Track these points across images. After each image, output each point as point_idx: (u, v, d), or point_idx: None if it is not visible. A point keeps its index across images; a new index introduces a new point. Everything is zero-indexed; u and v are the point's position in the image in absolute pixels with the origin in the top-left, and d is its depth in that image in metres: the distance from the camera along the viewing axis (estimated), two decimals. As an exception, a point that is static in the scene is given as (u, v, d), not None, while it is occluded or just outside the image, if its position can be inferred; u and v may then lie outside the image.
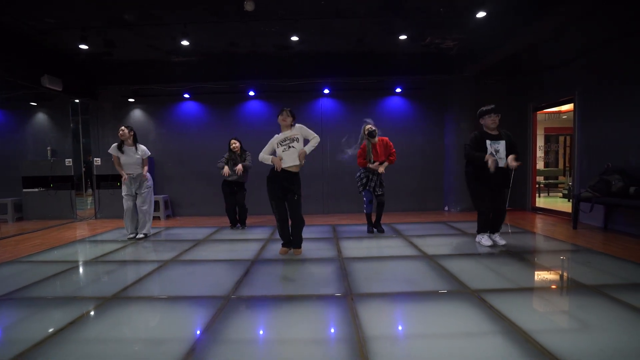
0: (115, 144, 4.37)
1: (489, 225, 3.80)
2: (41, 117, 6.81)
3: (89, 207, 7.15)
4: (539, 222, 5.27)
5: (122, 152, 4.36)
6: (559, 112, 8.89)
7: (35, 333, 1.98)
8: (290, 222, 3.52)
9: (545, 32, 4.72)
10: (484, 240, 3.75)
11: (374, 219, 4.67)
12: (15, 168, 6.48)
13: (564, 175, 10.09)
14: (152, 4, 4.21)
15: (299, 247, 3.55)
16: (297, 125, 3.47)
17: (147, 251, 3.90)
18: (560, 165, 10.79)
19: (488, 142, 3.57)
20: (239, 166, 4.84)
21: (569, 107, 7.54)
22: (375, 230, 4.61)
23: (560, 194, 9.48)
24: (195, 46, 5.64)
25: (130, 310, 2.31)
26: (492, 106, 3.61)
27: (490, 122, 3.58)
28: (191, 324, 2.08)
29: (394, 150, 4.48)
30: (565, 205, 7.03)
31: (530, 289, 2.52)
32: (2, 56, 4.96)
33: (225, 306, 2.29)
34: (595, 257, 3.28)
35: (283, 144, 3.41)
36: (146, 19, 4.56)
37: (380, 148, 4.38)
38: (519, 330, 1.86)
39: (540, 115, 7.33)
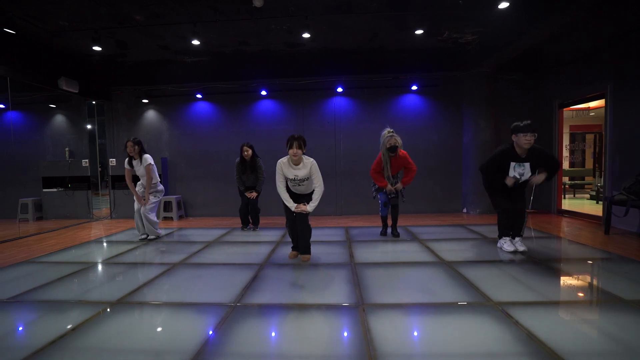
0: (127, 159, 4.36)
1: (509, 228, 3.56)
2: (59, 119, 6.95)
3: (103, 207, 7.26)
4: (566, 226, 4.94)
5: (131, 166, 4.36)
6: (587, 109, 8.40)
7: (36, 339, 1.93)
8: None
9: (573, 20, 4.39)
10: (506, 245, 3.52)
11: (390, 222, 4.48)
12: (35, 169, 6.65)
13: (592, 176, 9.55)
14: (160, 3, 4.17)
15: (307, 253, 3.40)
16: (309, 161, 3.27)
17: (157, 253, 3.86)
18: (587, 165, 10.23)
19: (512, 164, 3.33)
20: (254, 194, 4.93)
21: (597, 103, 7.11)
22: (388, 232, 4.44)
23: (588, 196, 8.98)
24: (206, 45, 5.60)
25: (133, 316, 2.23)
26: (529, 122, 3.21)
27: (524, 142, 3.20)
28: (194, 333, 1.98)
29: (412, 167, 4.13)
30: (593, 208, 6.61)
31: (562, 303, 2.29)
32: (20, 60, 5.06)
33: (230, 314, 2.19)
34: (634, 266, 3.00)
35: (293, 182, 3.32)
36: (155, 18, 4.53)
37: (396, 162, 4.08)
38: (551, 353, 1.67)
39: (566, 112, 6.93)
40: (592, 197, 8.34)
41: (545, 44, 5.56)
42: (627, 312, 2.11)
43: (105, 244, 4.42)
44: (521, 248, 3.46)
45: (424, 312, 2.20)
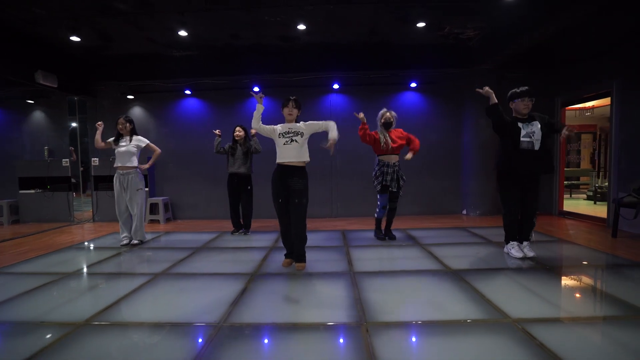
0: (113, 138, 4.11)
1: (515, 231, 3.34)
2: (38, 116, 6.55)
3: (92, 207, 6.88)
4: (571, 229, 4.76)
5: (117, 144, 4.07)
6: (588, 108, 8.28)
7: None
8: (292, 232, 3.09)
9: (580, 18, 4.19)
10: (514, 251, 3.29)
11: (383, 225, 4.25)
12: (11, 168, 6.24)
13: (590, 176, 9.47)
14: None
15: (302, 261, 3.10)
16: (301, 122, 3.10)
17: (138, 262, 3.55)
18: (583, 165, 10.15)
19: (520, 124, 3.16)
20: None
21: (596, 102, 6.97)
22: (386, 237, 4.19)
23: (585, 196, 8.88)
24: (195, 38, 5.29)
25: (101, 341, 1.93)
26: (526, 88, 3.15)
27: (522, 106, 3.15)
28: (171, 362, 1.69)
29: (415, 138, 4.06)
30: (591, 209, 6.48)
31: (587, 320, 2.06)
32: (-9, 50, 4.68)
33: (215, 337, 1.91)
34: (652, 275, 2.80)
35: (286, 135, 2.99)
36: (140, 6, 4.21)
37: (395, 134, 3.99)
38: (590, 387, 1.43)
39: (567, 111, 6.76)
40: (589, 198, 8.24)
41: (551, 41, 5.37)
42: (662, 331, 1.89)
43: (83, 251, 4.09)
44: (530, 254, 3.25)
45: (434, 331, 1.95)
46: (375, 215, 4.15)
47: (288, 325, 2.05)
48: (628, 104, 4.52)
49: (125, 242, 4.15)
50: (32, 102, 6.49)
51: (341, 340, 1.89)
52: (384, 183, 3.88)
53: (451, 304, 2.31)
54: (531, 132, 3.13)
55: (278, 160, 3.03)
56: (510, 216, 3.31)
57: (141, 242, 4.24)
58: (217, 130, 4.64)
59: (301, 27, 4.71)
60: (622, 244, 3.81)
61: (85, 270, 3.28)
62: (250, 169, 4.63)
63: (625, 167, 4.58)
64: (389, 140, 3.89)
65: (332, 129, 2.97)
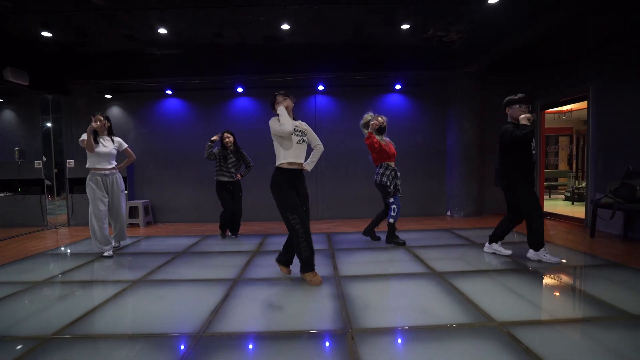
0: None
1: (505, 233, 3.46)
2: (8, 115, 6.22)
3: (51, 213, 6.58)
4: (551, 229, 4.86)
5: (96, 142, 3.69)
6: (567, 111, 8.54)
7: None
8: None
9: (560, 23, 4.29)
10: (549, 255, 3.20)
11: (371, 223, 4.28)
12: (-21, 170, 5.90)
13: (566, 177, 9.77)
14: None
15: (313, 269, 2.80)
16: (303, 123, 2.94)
17: (115, 268, 3.38)
18: (561, 167, 10.47)
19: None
20: (238, 176, 4.51)
21: (573, 106, 7.20)
22: (367, 236, 4.27)
23: (563, 197, 9.14)
24: (177, 37, 5.13)
25: (72, 356, 1.81)
26: (521, 95, 3.15)
27: (519, 113, 3.11)
28: (145, 378, 1.59)
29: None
30: (569, 209, 6.67)
31: (570, 322, 2.07)
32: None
33: (194, 347, 1.81)
34: (629, 274, 2.86)
35: (297, 133, 2.73)
36: (115, 2, 4.04)
37: (391, 145, 3.98)
38: (576, 392, 1.41)
39: (547, 114, 6.94)
40: (567, 198, 8.49)
41: (531, 45, 5.48)
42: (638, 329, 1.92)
43: (57, 257, 3.88)
44: (506, 252, 3.44)
45: (420, 337, 1.92)
46: (392, 220, 3.96)
47: (271, 334, 1.98)
48: (604, 107, 4.66)
49: (109, 253, 3.72)
50: (1, 100, 6.16)
51: (326, 349, 1.83)
52: (396, 187, 3.87)
53: (437, 308, 2.28)
54: (534, 146, 3.19)
55: (288, 160, 2.69)
56: (541, 219, 3.20)
57: (118, 247, 4.08)
58: (215, 137, 4.41)
59: (285, 27, 4.64)
60: (600, 244, 3.91)
61: (57, 278, 3.10)
62: (247, 169, 4.61)
63: (601, 169, 4.71)
64: (391, 145, 3.93)
65: (316, 156, 2.87)
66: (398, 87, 6.14)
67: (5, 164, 5.94)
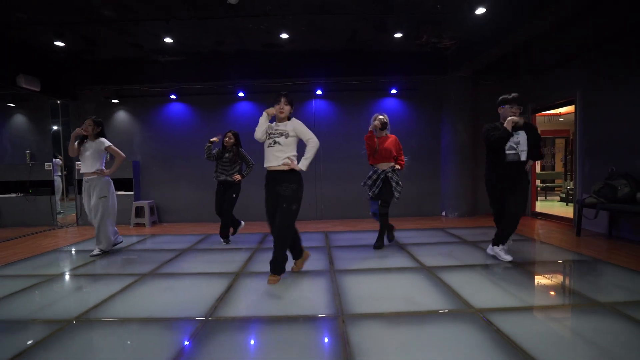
0: (77, 141, 3.80)
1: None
2: (19, 119, 6.48)
3: (60, 213, 6.83)
4: (541, 229, 5.06)
5: (79, 147, 3.74)
6: (558, 114, 8.74)
7: (-25, 368, 1.70)
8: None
9: (545, 29, 4.52)
10: (502, 253, 3.32)
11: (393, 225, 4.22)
12: (-9, 172, 6.16)
13: (562, 179, 9.95)
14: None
15: (277, 273, 2.82)
16: (293, 119, 2.91)
17: (125, 264, 3.61)
18: (557, 169, 10.66)
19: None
20: (237, 176, 4.28)
21: (566, 109, 7.40)
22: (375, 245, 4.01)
23: (558, 198, 9.33)
24: (181, 45, 5.38)
25: (94, 335, 2.03)
26: (515, 95, 3.20)
27: (509, 113, 3.16)
28: (161, 351, 1.81)
29: (402, 158, 3.94)
30: (564, 210, 6.85)
31: (540, 308, 2.28)
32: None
33: (202, 330, 2.03)
34: (606, 268, 3.07)
35: (270, 136, 2.81)
36: (124, 12, 4.29)
37: (385, 142, 3.82)
38: (534, 362, 1.63)
39: (538, 117, 7.16)
40: (562, 200, 8.68)
41: (520, 50, 5.73)
42: (604, 316, 2.12)
43: (68, 254, 4.11)
44: (507, 258, 3.34)
45: (405, 321, 2.13)
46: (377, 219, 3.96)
47: (270, 318, 2.20)
48: (590, 111, 4.87)
49: (95, 252, 3.83)
50: (13, 105, 6.42)
51: (319, 330, 2.04)
52: (374, 193, 3.81)
53: (422, 297, 2.50)
54: (516, 143, 3.17)
55: (265, 164, 2.85)
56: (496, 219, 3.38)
57: (102, 253, 3.87)
58: (215, 138, 4.32)
59: (284, 35, 4.87)
60: (585, 242, 4.11)
61: (71, 272, 3.33)
62: (248, 167, 4.43)
63: (588, 171, 4.91)
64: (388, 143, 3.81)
65: (310, 152, 2.83)
66: (394, 91, 6.36)
67: (17, 166, 6.19)
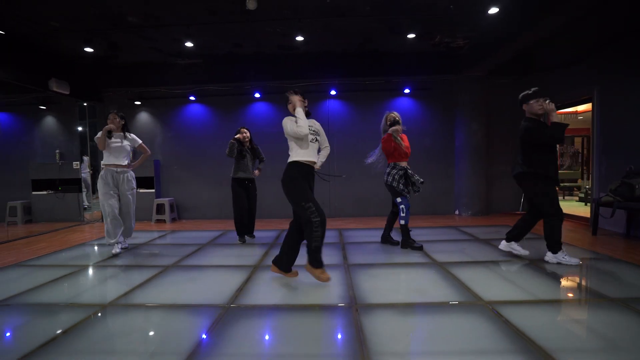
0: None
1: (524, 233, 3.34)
2: (50, 121, 6.87)
3: (88, 209, 7.18)
4: (556, 227, 5.02)
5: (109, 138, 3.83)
6: (576, 113, 8.58)
7: (26, 343, 1.90)
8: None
9: (559, 26, 4.50)
10: (568, 257, 3.15)
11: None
12: (24, 171, 6.55)
13: (581, 178, 9.73)
14: (157, 4, 4.17)
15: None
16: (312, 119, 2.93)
17: (149, 256, 3.83)
18: (577, 168, 10.42)
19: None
20: (257, 172, 4.41)
21: (585, 107, 7.27)
22: (382, 241, 4.13)
23: (577, 198, 9.14)
24: (200, 48, 5.60)
25: (126, 319, 2.22)
26: (537, 89, 3.11)
27: (537, 107, 3.05)
28: (188, 334, 1.97)
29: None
30: (581, 210, 6.74)
31: (550, 302, 2.34)
32: (10, 60, 5.00)
33: (224, 316, 2.19)
34: (619, 266, 3.07)
35: (311, 132, 2.77)
36: (149, 20, 4.52)
37: (406, 141, 3.90)
38: (539, 350, 1.70)
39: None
40: (581, 200, 8.50)
41: (534, 48, 5.69)
42: (613, 310, 2.16)
43: (96, 247, 4.37)
44: (524, 252, 3.39)
45: (415, 311, 2.23)
46: (403, 221, 3.79)
47: (288, 306, 2.33)
48: (607, 109, 4.81)
49: (117, 250, 3.80)
50: (44, 107, 6.80)
51: (334, 318, 2.16)
52: (409, 186, 3.79)
53: (433, 289, 2.58)
54: None
55: (303, 158, 2.73)
56: (560, 221, 3.13)
57: (127, 247, 4.08)
58: (239, 135, 4.32)
59: (299, 38, 5.01)
60: (600, 241, 4.08)
61: (100, 263, 3.56)
62: (260, 162, 4.53)
63: (605, 170, 4.86)
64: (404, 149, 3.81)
65: (323, 156, 2.95)
66: (407, 91, 6.42)
67: (47, 165, 6.56)
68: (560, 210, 3.13)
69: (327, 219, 2.69)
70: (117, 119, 3.92)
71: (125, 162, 3.90)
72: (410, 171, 3.82)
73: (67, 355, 1.78)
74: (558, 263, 3.14)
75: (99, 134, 3.81)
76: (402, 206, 3.75)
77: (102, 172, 3.81)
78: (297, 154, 2.74)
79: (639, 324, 1.98)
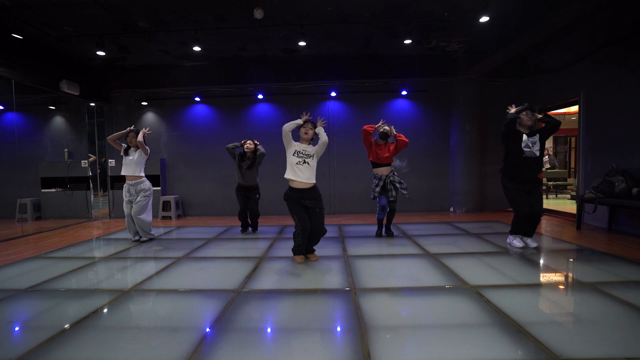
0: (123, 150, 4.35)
1: (523, 228, 3.69)
2: (59, 120, 7.09)
3: (100, 207, 7.41)
4: (545, 223, 5.30)
5: (127, 154, 4.29)
6: (565, 114, 8.86)
7: (60, 321, 2.15)
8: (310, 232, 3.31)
9: (549, 33, 4.76)
10: (516, 242, 3.69)
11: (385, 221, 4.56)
12: (34, 169, 6.77)
13: (570, 177, 10.03)
14: (168, 11, 4.40)
15: (314, 252, 3.47)
16: (318, 132, 3.34)
17: (160, 249, 4.07)
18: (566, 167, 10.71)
19: (525, 136, 3.50)
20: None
21: (575, 109, 7.55)
22: (384, 234, 4.47)
23: (569, 196, 9.42)
24: (206, 51, 5.84)
25: (148, 301, 2.47)
26: (526, 104, 3.53)
27: (526, 119, 3.49)
28: (204, 314, 2.22)
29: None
30: (572, 207, 7.01)
31: (527, 285, 2.60)
32: (25, 63, 5.22)
33: (236, 298, 2.43)
34: (597, 256, 3.34)
35: (300, 155, 3.21)
36: (159, 25, 4.76)
37: (392, 148, 4.23)
38: (513, 323, 1.96)
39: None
40: (572, 197, 8.78)
41: (526, 53, 5.96)
42: (583, 292, 2.43)
43: (108, 241, 4.61)
44: (533, 244, 3.65)
45: (408, 294, 2.48)
46: (378, 216, 4.32)
47: (292, 290, 2.59)
48: (593, 111, 5.08)
49: (135, 238, 4.43)
50: (53, 108, 7.02)
51: (334, 300, 2.42)
52: (380, 193, 4.19)
53: (425, 276, 2.84)
54: (532, 142, 3.49)
55: (289, 176, 3.20)
56: (520, 218, 3.60)
57: (151, 239, 4.48)
58: (249, 143, 4.70)
59: (302, 42, 5.26)
60: (583, 235, 4.35)
61: (114, 255, 3.80)
62: (255, 179, 4.77)
63: (590, 168, 5.13)
64: (381, 152, 4.14)
65: (324, 136, 3.33)
66: (404, 92, 6.68)
67: (56, 163, 6.79)
68: (519, 207, 3.58)
69: (328, 215, 2.98)
70: (135, 138, 4.31)
71: (138, 173, 4.31)
72: (392, 178, 4.19)
73: (100, 330, 2.02)
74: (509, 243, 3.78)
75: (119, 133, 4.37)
76: (377, 203, 4.25)
77: (125, 184, 4.38)
78: (287, 173, 3.24)
79: (603, 302, 2.24)
